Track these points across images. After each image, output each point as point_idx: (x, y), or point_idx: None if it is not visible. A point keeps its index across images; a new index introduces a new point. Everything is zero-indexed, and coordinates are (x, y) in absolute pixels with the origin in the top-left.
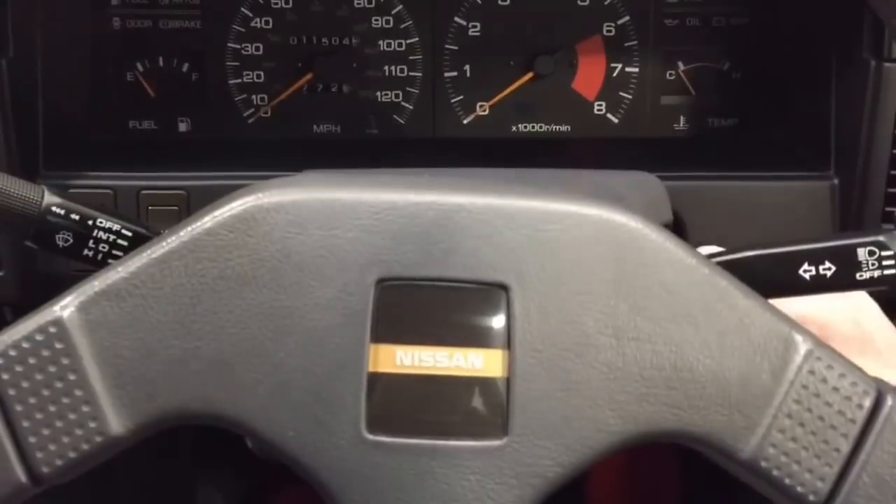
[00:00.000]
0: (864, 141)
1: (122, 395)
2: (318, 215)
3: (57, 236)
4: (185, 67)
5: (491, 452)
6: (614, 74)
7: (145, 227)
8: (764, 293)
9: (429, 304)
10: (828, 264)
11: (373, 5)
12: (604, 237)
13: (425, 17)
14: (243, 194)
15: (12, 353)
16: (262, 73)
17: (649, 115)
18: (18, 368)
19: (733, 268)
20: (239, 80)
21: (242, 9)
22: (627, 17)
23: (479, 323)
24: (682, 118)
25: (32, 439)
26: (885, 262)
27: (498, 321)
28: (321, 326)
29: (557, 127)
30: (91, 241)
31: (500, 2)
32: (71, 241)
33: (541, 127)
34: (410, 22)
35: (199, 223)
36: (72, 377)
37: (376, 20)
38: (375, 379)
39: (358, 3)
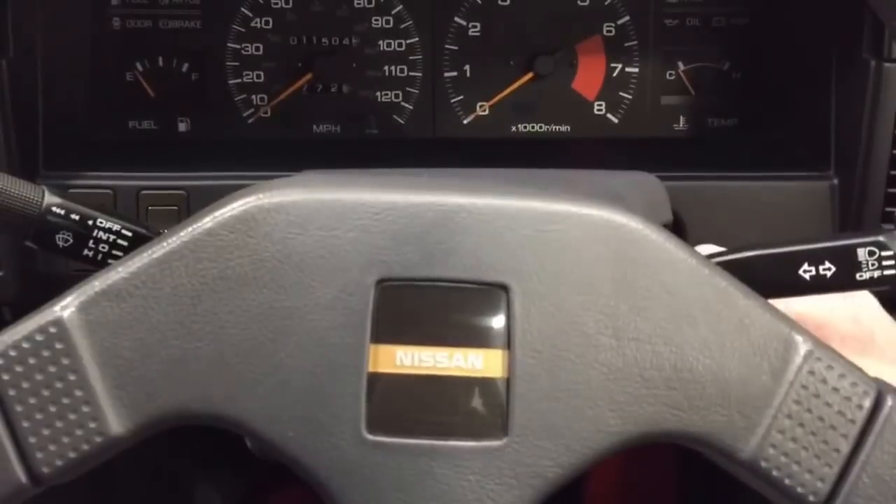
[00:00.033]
0: (864, 141)
1: (122, 395)
2: (318, 216)
3: (57, 236)
4: (185, 67)
5: (491, 453)
6: (614, 74)
7: (145, 227)
8: (764, 293)
9: (429, 304)
10: (828, 264)
11: (373, 5)
12: (604, 237)
13: (425, 17)
14: (244, 195)
15: (12, 353)
16: (261, 73)
17: (649, 115)
18: (18, 369)
19: (733, 268)
20: (239, 80)
21: (242, 9)
22: (627, 17)
23: (479, 323)
24: (682, 118)
25: (32, 439)
26: (885, 263)
27: (498, 321)
28: (321, 327)
29: (557, 127)
30: (91, 242)
31: (500, 2)
32: (71, 241)
33: (541, 127)
34: (410, 22)
35: (199, 223)
36: (72, 377)
37: (376, 20)
38: (375, 379)
39: (358, 3)
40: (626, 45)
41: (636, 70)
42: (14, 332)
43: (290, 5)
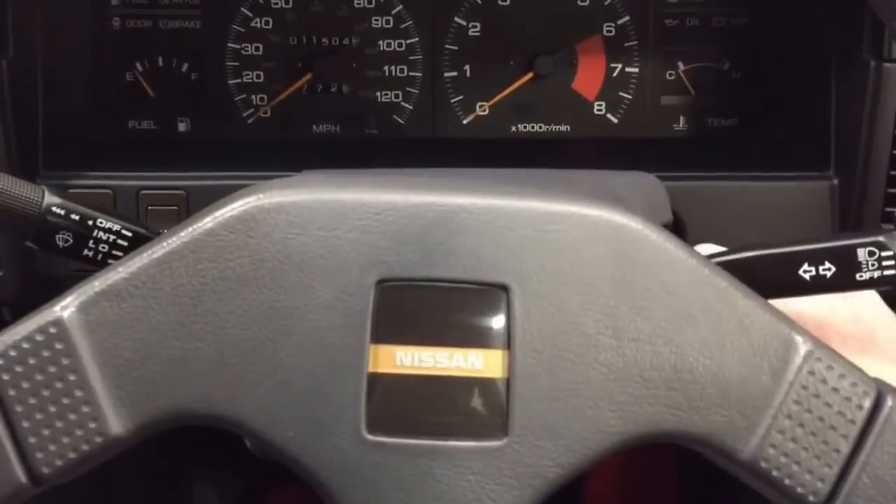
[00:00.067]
0: (864, 141)
1: (122, 395)
2: (318, 216)
3: (57, 236)
4: (185, 67)
5: (491, 453)
6: (614, 74)
7: (145, 227)
8: (764, 293)
9: (429, 304)
10: (828, 265)
11: (373, 5)
12: (604, 238)
13: (425, 17)
14: (244, 195)
15: (12, 353)
16: (261, 73)
17: (649, 115)
18: (18, 369)
19: (733, 268)
20: (238, 80)
21: (242, 9)
22: (627, 17)
23: (479, 323)
24: (682, 118)
25: (32, 440)
26: (884, 263)
27: (498, 322)
28: (321, 327)
29: (557, 127)
30: (91, 242)
31: (500, 2)
32: (71, 241)
33: (540, 127)
34: (410, 22)
35: (199, 224)
36: (72, 378)
37: (376, 20)
38: (375, 379)
39: (358, 3)
40: (626, 45)
41: (636, 70)
42: (14, 332)
43: (290, 5)
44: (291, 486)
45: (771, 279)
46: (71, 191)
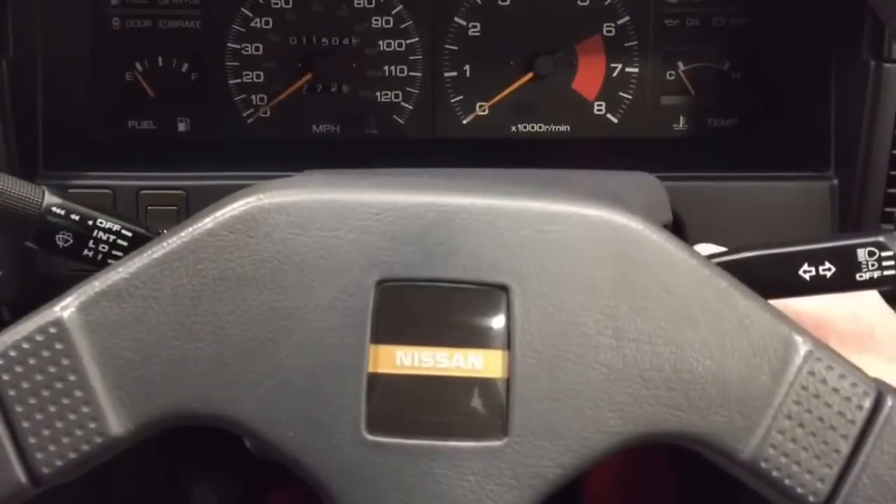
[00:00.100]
0: (864, 141)
1: (122, 395)
2: (318, 216)
3: (57, 237)
4: (185, 67)
5: (491, 453)
6: (614, 74)
7: (145, 227)
8: (764, 294)
9: (429, 304)
10: (827, 265)
11: (373, 5)
12: (604, 238)
13: (425, 17)
14: (244, 195)
15: (12, 353)
16: (261, 73)
17: (649, 115)
18: (18, 369)
19: (733, 268)
20: (238, 80)
21: (242, 9)
22: (627, 18)
23: (479, 324)
24: (681, 118)
25: (32, 440)
26: (884, 263)
27: (498, 322)
28: (321, 327)
29: (557, 127)
30: (91, 242)
31: (500, 2)
32: (71, 241)
33: (540, 127)
34: (410, 22)
35: (199, 224)
36: (72, 378)
37: (376, 20)
38: (375, 379)
39: (358, 3)
40: (626, 45)
41: (636, 70)
42: (14, 332)
43: (290, 5)
44: (291, 486)
45: (771, 279)
46: (71, 191)
